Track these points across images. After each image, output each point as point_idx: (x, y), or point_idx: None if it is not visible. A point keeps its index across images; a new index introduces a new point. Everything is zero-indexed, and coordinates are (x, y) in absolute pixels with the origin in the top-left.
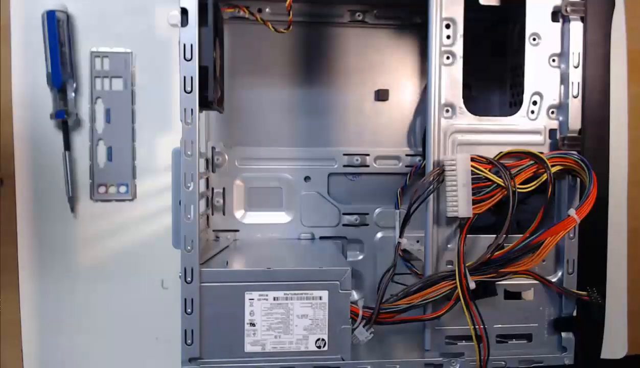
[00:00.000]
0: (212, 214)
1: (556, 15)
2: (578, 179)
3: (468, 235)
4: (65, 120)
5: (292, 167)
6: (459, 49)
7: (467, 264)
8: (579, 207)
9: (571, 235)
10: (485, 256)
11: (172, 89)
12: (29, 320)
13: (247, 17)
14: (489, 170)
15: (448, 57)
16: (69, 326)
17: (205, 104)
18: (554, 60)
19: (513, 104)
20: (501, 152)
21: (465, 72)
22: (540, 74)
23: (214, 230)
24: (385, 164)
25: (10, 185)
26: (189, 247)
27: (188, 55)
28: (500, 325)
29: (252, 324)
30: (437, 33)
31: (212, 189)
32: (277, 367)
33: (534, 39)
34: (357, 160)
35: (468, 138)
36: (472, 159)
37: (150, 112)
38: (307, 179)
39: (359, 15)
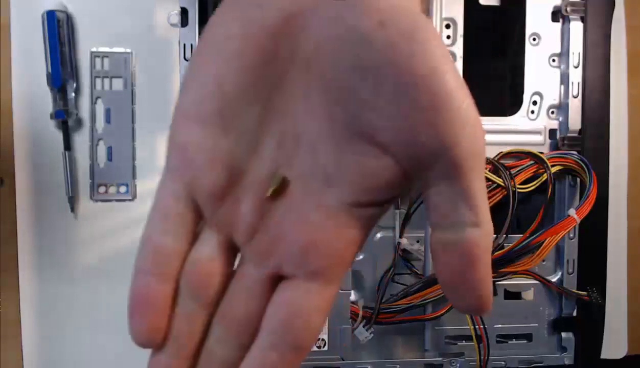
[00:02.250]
0: None
1: (556, 15)
2: (578, 179)
3: None
4: (65, 120)
5: None
6: (459, 49)
7: None
8: (579, 207)
9: (571, 235)
10: None
11: (172, 89)
12: (29, 320)
13: None
14: (489, 170)
15: None
16: (69, 326)
17: None
18: (554, 60)
19: (513, 104)
20: (501, 152)
21: (465, 72)
22: (540, 74)
23: None
24: None
25: (11, 185)
26: None
27: (188, 55)
28: (500, 325)
29: None
30: None
31: None
32: None
33: (534, 39)
34: None
35: None
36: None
37: (150, 112)
38: None
39: None
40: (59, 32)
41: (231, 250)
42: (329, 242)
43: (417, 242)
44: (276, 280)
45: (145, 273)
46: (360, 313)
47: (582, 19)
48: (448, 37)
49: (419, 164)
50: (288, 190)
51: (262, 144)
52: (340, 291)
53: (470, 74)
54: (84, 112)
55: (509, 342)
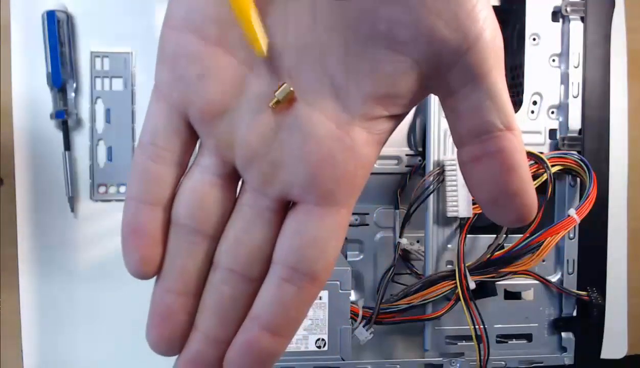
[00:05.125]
0: None
1: (556, 15)
2: (578, 179)
3: (468, 235)
4: (65, 120)
5: None
6: None
7: (467, 264)
8: (579, 207)
9: (571, 235)
10: (485, 256)
11: None
12: (29, 320)
13: None
14: None
15: None
16: (69, 326)
17: None
18: (554, 60)
19: (513, 104)
20: None
21: None
22: (540, 74)
23: None
24: (385, 164)
25: (10, 185)
26: None
27: None
28: (500, 325)
29: None
30: None
31: None
32: (277, 367)
33: (534, 39)
34: None
35: None
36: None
37: None
38: None
39: None
40: (59, 32)
41: (231, 176)
42: (340, 161)
43: (417, 242)
44: (284, 206)
45: (135, 200)
46: (360, 313)
47: (582, 19)
48: None
49: (441, 63)
50: (293, 107)
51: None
52: (340, 291)
53: None
54: (84, 112)
55: (509, 342)
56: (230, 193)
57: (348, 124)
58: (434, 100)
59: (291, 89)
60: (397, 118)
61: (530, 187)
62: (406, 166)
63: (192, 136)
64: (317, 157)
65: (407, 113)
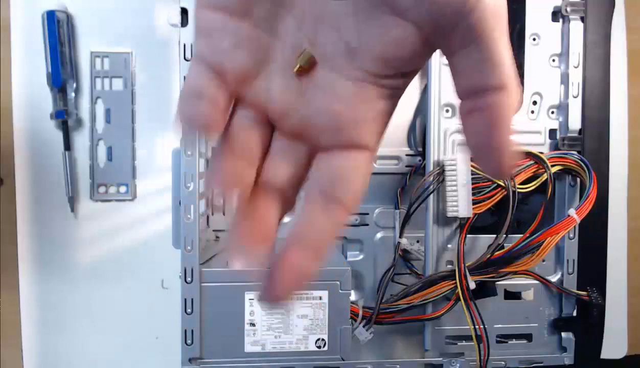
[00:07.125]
0: (212, 214)
1: (556, 15)
2: (578, 179)
3: (468, 235)
4: (65, 120)
5: None
6: None
7: (467, 264)
8: (579, 207)
9: (571, 235)
10: (485, 256)
11: (172, 89)
12: (29, 320)
13: None
14: None
15: None
16: (69, 326)
17: None
18: (554, 60)
19: None
20: None
21: None
22: (540, 74)
23: (214, 230)
24: (385, 163)
25: (10, 185)
26: (189, 247)
27: (188, 55)
28: (500, 325)
29: (252, 324)
30: None
31: (212, 189)
32: (277, 367)
33: (534, 39)
34: None
35: None
36: (472, 159)
37: (150, 112)
38: None
39: None
40: (59, 32)
41: (267, 125)
42: (359, 112)
43: (417, 242)
44: (314, 153)
45: (192, 95)
46: (360, 313)
47: (582, 19)
48: None
49: (441, 28)
50: (314, 70)
51: (283, 26)
52: (340, 291)
53: None
54: (84, 112)
55: (509, 342)
56: (266, 137)
57: (364, 81)
58: (434, 100)
59: (312, 54)
60: (409, 75)
61: (507, 146)
62: (406, 166)
63: (230, 94)
64: (337, 111)
65: (418, 70)
